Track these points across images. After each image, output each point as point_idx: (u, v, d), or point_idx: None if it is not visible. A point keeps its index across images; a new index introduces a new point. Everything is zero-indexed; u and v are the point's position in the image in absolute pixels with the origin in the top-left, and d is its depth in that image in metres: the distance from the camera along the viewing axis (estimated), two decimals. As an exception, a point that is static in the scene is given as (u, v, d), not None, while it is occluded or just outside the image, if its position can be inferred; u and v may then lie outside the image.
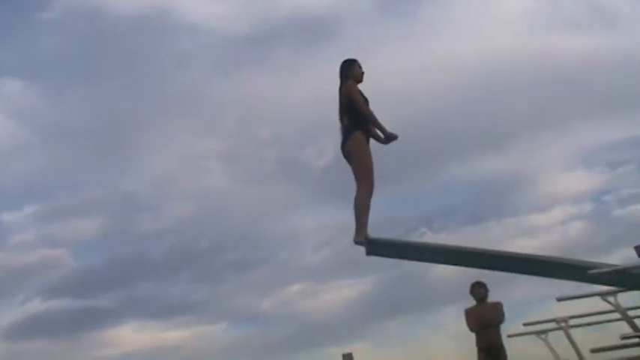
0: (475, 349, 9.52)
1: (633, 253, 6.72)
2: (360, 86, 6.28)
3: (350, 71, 6.24)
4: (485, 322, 9.38)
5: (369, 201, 5.87)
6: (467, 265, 6.12)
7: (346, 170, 6.13)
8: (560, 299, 6.60)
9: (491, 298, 9.67)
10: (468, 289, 9.67)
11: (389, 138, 6.07)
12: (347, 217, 5.92)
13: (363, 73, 6.29)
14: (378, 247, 5.84)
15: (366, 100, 6.15)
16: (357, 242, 5.81)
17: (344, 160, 6.17)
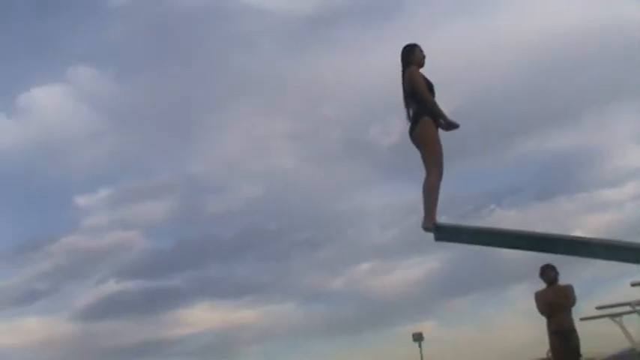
0: (546, 332, 9.45)
1: None
2: (425, 67, 6.31)
3: (412, 56, 6.25)
4: (557, 305, 9.28)
5: (438, 187, 5.90)
6: (534, 250, 6.09)
7: (413, 151, 6.16)
8: (634, 284, 6.49)
9: (562, 279, 9.56)
10: (537, 267, 9.57)
11: (450, 126, 6.09)
12: (414, 196, 5.97)
13: (424, 57, 6.29)
14: (446, 234, 5.87)
15: (430, 85, 6.17)
16: (425, 228, 5.84)
17: (410, 143, 6.20)
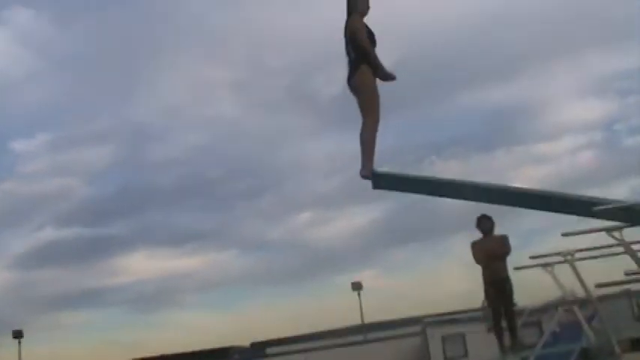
0: (482, 281, 9.65)
1: (644, 183, 6.71)
2: (370, 16, 6.21)
3: (356, 4, 6.15)
4: (492, 254, 9.47)
5: (375, 135, 5.89)
6: (472, 200, 6.12)
7: (354, 102, 6.12)
8: (565, 234, 6.62)
9: (498, 230, 9.73)
10: (474, 220, 9.73)
11: (386, 77, 6.04)
12: (358, 146, 5.94)
13: (369, 6, 6.19)
14: (384, 181, 5.87)
15: (371, 35, 6.09)
16: (363, 176, 5.86)
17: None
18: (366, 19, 6.20)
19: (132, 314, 53.55)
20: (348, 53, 6.14)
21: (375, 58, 6.03)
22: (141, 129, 50.45)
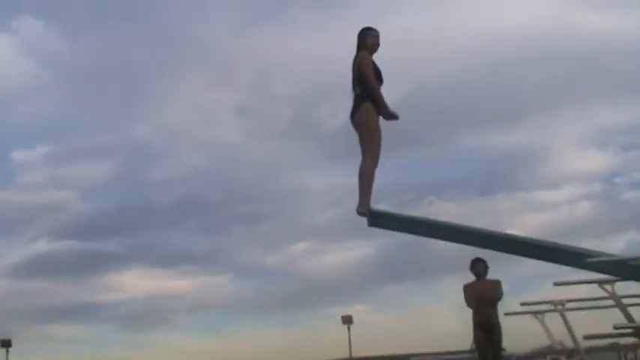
0: (471, 323, 9.63)
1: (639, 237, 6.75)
2: (378, 53, 6.29)
3: (364, 41, 6.22)
4: (483, 298, 9.45)
5: (373, 172, 5.93)
6: (467, 244, 6.16)
7: (356, 137, 6.17)
8: (557, 284, 6.64)
9: (491, 274, 9.74)
10: (468, 263, 9.73)
11: (390, 116, 6.10)
12: (357, 181, 5.98)
13: (378, 43, 6.26)
14: (379, 219, 5.91)
15: (378, 73, 6.15)
16: (359, 213, 5.89)
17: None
18: (374, 57, 6.28)
19: (121, 332, 53.15)
20: (354, 88, 6.21)
21: (380, 96, 6.08)
22: (142, 147, 50.52)
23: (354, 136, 6.19)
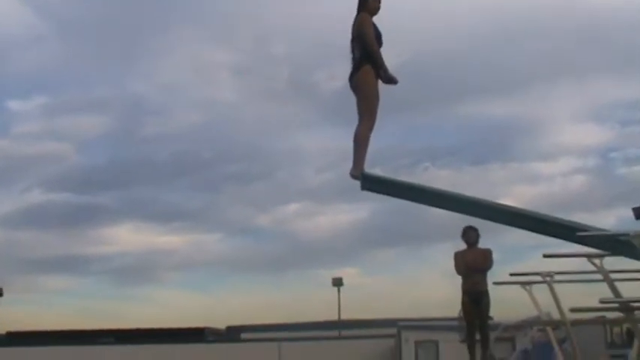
0: (460, 291, 9.70)
1: (631, 214, 6.78)
2: (378, 16, 6.22)
3: (365, 2, 6.15)
4: (473, 267, 9.52)
5: (368, 136, 5.89)
6: (458, 212, 6.17)
7: (354, 100, 6.13)
8: (546, 256, 6.66)
9: (483, 243, 9.78)
10: (460, 230, 9.76)
11: (389, 80, 6.05)
12: (352, 144, 5.95)
13: (379, 7, 6.19)
14: (372, 183, 5.89)
15: (378, 35, 6.09)
16: (353, 176, 5.87)
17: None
18: (375, 19, 6.21)
19: (111, 285, 53.53)
20: (353, 51, 6.14)
21: (380, 58, 6.02)
22: (138, 102, 50.22)
23: (351, 99, 6.14)
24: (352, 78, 6.07)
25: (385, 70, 6.02)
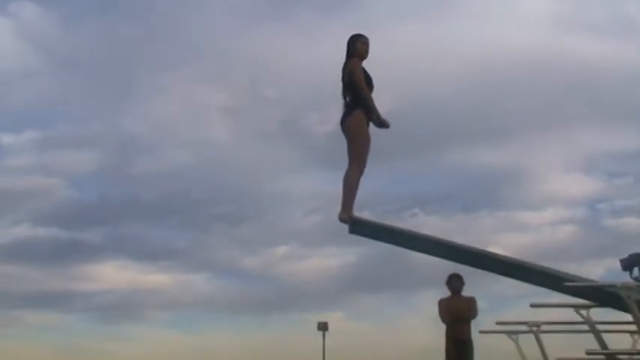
0: (444, 339, 9.60)
1: (618, 265, 6.74)
2: (369, 61, 6.26)
3: (353, 47, 6.19)
4: (457, 315, 9.44)
5: (358, 180, 5.90)
6: (446, 259, 6.16)
7: (344, 144, 6.13)
8: (533, 305, 6.62)
9: (468, 290, 9.72)
10: (445, 278, 9.71)
11: (381, 124, 6.07)
12: (341, 188, 5.94)
13: (367, 49, 6.23)
14: (360, 228, 5.88)
15: (368, 79, 6.13)
16: (341, 219, 5.86)
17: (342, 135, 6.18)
18: (364, 64, 6.25)
19: (95, 323, 52.67)
20: (344, 96, 6.17)
21: (372, 102, 6.05)
22: (129, 140, 50.20)
23: (341, 143, 6.15)
24: (343, 121, 6.09)
25: (377, 114, 6.05)
